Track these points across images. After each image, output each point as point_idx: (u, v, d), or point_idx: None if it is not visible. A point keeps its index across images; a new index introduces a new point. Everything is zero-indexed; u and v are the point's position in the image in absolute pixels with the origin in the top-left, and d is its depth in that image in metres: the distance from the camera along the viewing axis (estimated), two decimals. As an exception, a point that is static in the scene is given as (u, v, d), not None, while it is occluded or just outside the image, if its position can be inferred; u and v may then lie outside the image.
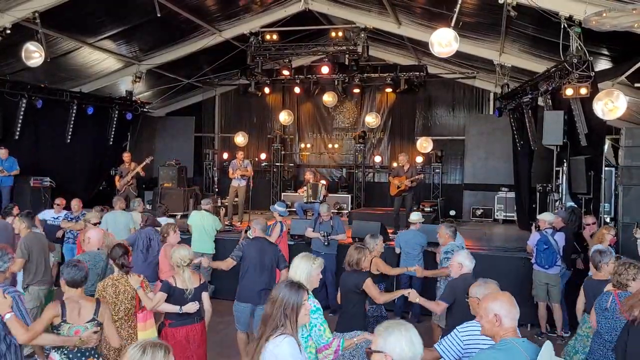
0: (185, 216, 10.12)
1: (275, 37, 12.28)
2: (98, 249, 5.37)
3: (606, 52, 8.87)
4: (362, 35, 11.82)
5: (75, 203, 9.03)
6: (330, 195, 12.93)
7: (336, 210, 12.65)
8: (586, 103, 8.07)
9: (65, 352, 3.46)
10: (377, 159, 15.09)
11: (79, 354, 3.49)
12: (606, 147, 8.75)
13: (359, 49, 12.01)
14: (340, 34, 12.38)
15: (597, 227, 7.34)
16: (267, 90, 14.78)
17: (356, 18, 11.72)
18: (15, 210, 8.70)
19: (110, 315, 3.73)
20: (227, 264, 5.73)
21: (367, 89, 15.05)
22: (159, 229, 6.82)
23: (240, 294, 5.61)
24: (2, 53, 9.92)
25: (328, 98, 14.73)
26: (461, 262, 4.63)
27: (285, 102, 15.93)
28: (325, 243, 7.88)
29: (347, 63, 12.95)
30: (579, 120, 8.38)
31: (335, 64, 13.52)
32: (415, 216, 7.80)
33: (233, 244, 8.48)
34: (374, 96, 15.35)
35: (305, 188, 11.67)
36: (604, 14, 6.02)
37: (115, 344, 3.72)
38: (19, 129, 11.06)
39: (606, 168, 8.16)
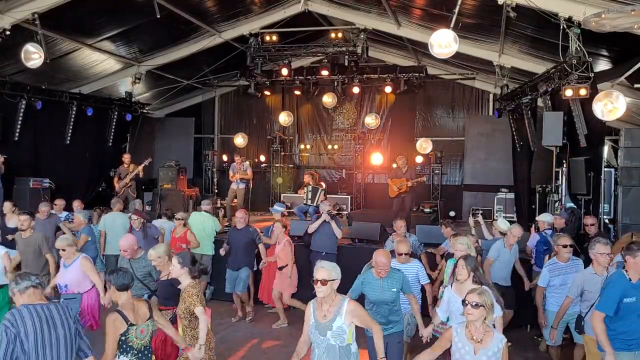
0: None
1: (274, 38, 12.29)
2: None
3: (605, 53, 8.86)
4: (362, 36, 11.82)
5: (77, 204, 9.03)
6: (329, 196, 12.90)
7: (335, 212, 12.60)
8: (586, 104, 8.07)
9: (135, 352, 3.65)
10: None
11: (145, 352, 3.72)
12: (606, 148, 8.74)
13: (359, 50, 12.00)
14: (339, 35, 12.40)
15: (596, 229, 7.31)
16: (266, 91, 14.77)
17: (356, 19, 11.71)
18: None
19: (157, 310, 4.18)
20: None
21: (366, 90, 15.04)
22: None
23: None
24: (2, 54, 9.91)
25: (327, 99, 14.72)
26: None
27: (285, 103, 15.92)
28: (330, 217, 7.83)
29: (346, 64, 12.98)
30: (579, 121, 8.37)
31: (334, 65, 13.51)
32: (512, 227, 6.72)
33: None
34: (374, 97, 15.34)
35: (305, 190, 11.66)
36: (604, 15, 6.02)
37: (172, 330, 4.13)
38: (18, 130, 11.06)
39: (606, 169, 8.15)
